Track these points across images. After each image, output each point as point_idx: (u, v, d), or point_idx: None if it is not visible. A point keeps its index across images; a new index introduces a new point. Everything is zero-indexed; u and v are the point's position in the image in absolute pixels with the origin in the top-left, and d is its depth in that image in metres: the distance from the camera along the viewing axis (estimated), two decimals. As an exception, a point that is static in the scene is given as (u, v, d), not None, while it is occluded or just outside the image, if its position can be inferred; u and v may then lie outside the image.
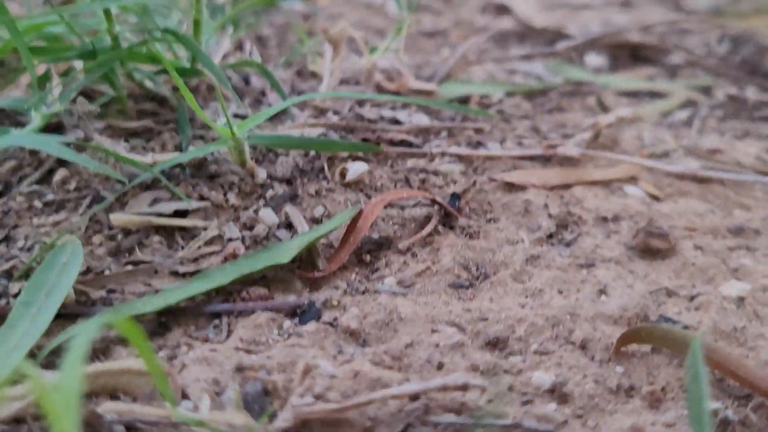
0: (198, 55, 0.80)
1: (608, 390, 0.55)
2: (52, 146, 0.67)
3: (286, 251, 0.66)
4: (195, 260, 0.68)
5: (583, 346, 0.59)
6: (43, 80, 0.82)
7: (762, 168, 0.89)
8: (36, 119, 0.75)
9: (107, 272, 0.66)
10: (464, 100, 1.01)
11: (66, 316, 0.60)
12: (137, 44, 0.82)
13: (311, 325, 0.60)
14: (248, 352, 0.57)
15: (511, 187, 0.80)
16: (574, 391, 0.55)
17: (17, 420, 0.50)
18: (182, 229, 0.71)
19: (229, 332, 0.60)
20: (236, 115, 0.87)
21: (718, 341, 0.61)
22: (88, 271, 0.66)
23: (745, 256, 0.72)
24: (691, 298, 0.66)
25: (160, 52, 0.83)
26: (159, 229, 0.70)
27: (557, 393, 0.55)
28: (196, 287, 0.62)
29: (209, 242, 0.70)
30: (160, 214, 0.71)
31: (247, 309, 0.62)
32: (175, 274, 0.66)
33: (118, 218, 0.69)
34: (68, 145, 0.74)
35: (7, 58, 0.93)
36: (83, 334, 0.34)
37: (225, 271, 0.64)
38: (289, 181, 0.78)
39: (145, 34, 0.86)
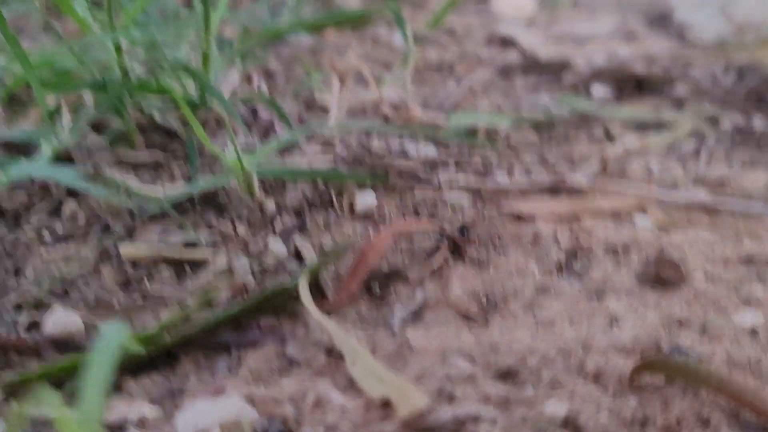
0: (207, 88, 0.81)
1: (622, 422, 0.55)
2: (66, 176, 0.67)
3: (292, 278, 0.66)
4: (204, 291, 0.68)
5: (596, 377, 0.59)
6: (54, 113, 0.83)
7: (771, 198, 0.89)
8: (47, 151, 0.75)
9: (116, 304, 0.66)
10: (471, 132, 1.02)
11: (76, 347, 0.60)
12: (147, 77, 0.83)
13: (322, 357, 0.60)
14: (258, 383, 0.57)
15: (519, 218, 0.80)
16: (588, 422, 0.54)
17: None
18: (191, 260, 0.71)
19: (239, 364, 0.60)
20: (245, 147, 0.87)
21: (733, 372, 0.60)
22: (97, 302, 0.66)
23: (756, 286, 0.71)
24: (704, 329, 0.65)
25: (169, 85, 0.84)
26: (168, 261, 0.71)
27: (571, 425, 0.54)
28: (205, 317, 0.62)
29: (218, 274, 0.70)
30: (170, 246, 0.71)
31: (257, 340, 0.62)
32: (184, 305, 0.66)
33: (127, 250, 0.70)
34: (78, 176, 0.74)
35: (17, 92, 0.94)
36: (101, 363, 0.34)
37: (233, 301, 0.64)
38: (297, 213, 0.78)
39: (154, 68, 0.87)
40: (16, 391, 0.57)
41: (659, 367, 0.58)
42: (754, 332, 0.65)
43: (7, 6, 1.16)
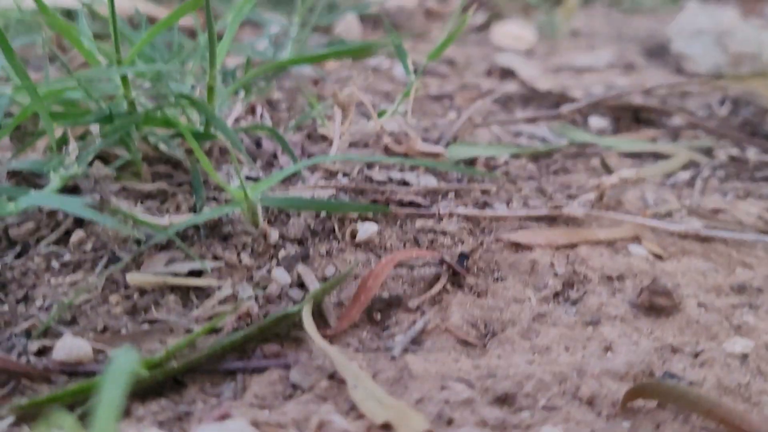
0: (212, 119, 0.83)
1: (615, 445, 0.56)
2: (74, 206, 0.68)
3: (295, 306, 0.67)
4: (209, 319, 0.69)
5: (590, 402, 0.60)
6: (61, 143, 0.84)
7: (763, 227, 0.91)
8: (55, 181, 0.77)
9: (124, 331, 0.67)
10: (471, 162, 1.04)
11: (85, 373, 0.62)
12: (153, 109, 0.84)
13: (324, 382, 0.62)
14: (262, 408, 0.59)
15: (517, 246, 0.82)
16: (582, 446, 0.56)
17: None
18: (197, 288, 0.72)
19: (244, 389, 0.61)
20: (249, 178, 0.89)
21: (723, 397, 0.62)
22: (105, 329, 0.68)
23: (748, 314, 0.73)
24: (696, 355, 0.67)
25: (175, 117, 0.85)
26: (174, 289, 0.72)
27: (565, 448, 0.56)
28: (211, 344, 0.64)
29: (223, 301, 0.71)
30: (176, 274, 0.72)
31: (261, 366, 0.63)
32: (190, 332, 0.68)
33: (134, 278, 0.71)
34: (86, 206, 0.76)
35: (24, 122, 0.95)
36: (112, 388, 0.35)
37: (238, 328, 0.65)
38: (300, 242, 0.80)
39: (160, 99, 0.89)
40: (27, 415, 0.58)
41: (651, 392, 0.60)
42: (744, 358, 0.66)
43: (14, 37, 1.18)
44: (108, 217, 0.71)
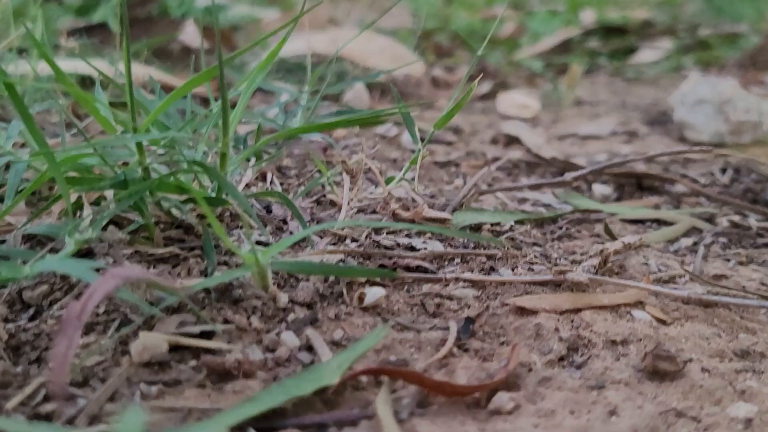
0: (224, 185, 0.85)
1: (620, 508, 0.57)
2: (84, 272, 0.70)
3: (331, 373, 0.68)
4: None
5: (596, 466, 0.61)
6: (75, 208, 0.86)
7: (766, 293, 0.92)
8: (70, 245, 0.78)
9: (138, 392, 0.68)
10: (476, 228, 1.05)
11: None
12: (166, 175, 0.86)
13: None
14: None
15: (522, 311, 0.83)
16: None
17: None
18: (207, 350, 0.73)
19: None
20: (259, 242, 0.91)
21: (727, 461, 0.63)
22: (116, 394, 0.68)
23: (751, 379, 0.74)
24: (700, 420, 0.67)
25: (188, 183, 0.87)
26: (186, 350, 0.73)
27: None
28: (249, 409, 0.64)
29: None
30: (188, 335, 0.74)
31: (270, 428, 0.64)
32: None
33: (147, 338, 0.72)
34: (98, 270, 0.77)
35: (40, 187, 0.97)
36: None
37: (273, 394, 0.66)
38: (309, 306, 0.81)
39: (173, 165, 0.91)
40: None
41: (656, 456, 0.61)
42: (748, 423, 0.67)
43: (32, 104, 1.21)
44: (127, 293, 0.72)
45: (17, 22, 1.57)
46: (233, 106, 0.93)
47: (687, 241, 1.10)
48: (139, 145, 0.85)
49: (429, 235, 0.98)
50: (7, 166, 0.91)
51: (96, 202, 0.89)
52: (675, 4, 3.79)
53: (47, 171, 0.83)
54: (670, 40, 2.99)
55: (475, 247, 0.97)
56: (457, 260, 0.93)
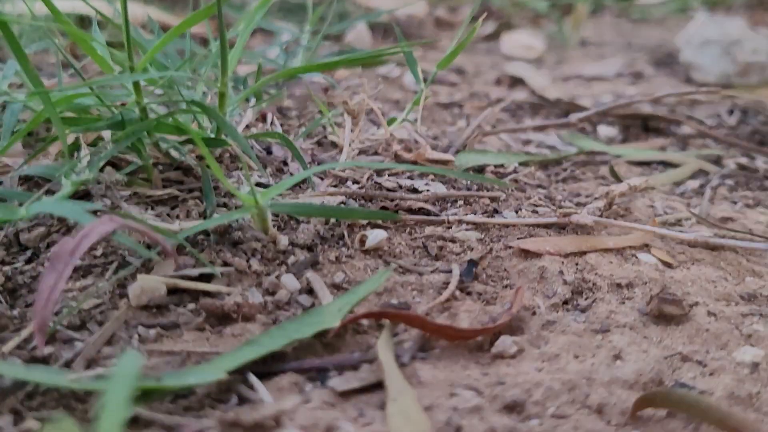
0: (223, 125, 0.83)
1: (625, 453, 0.56)
2: (77, 213, 0.68)
3: (332, 316, 0.67)
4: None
5: (599, 411, 0.60)
6: (72, 149, 0.85)
7: (773, 236, 0.91)
8: (66, 187, 0.77)
9: (135, 336, 0.67)
10: (480, 170, 1.04)
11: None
12: (164, 115, 0.85)
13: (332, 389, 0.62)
14: (271, 413, 0.59)
15: (526, 254, 0.82)
16: (591, 453, 0.56)
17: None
18: (206, 293, 0.72)
19: (253, 394, 0.62)
20: (259, 184, 0.90)
21: (733, 406, 0.62)
22: (113, 335, 0.68)
23: (758, 323, 0.73)
24: (706, 364, 0.67)
25: (186, 124, 0.86)
26: (184, 294, 0.72)
27: (574, 455, 0.56)
28: (248, 353, 0.63)
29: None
30: (186, 278, 0.73)
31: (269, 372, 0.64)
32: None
33: (144, 281, 0.71)
34: (96, 212, 0.76)
35: (37, 128, 0.96)
36: (117, 392, 0.36)
37: (273, 337, 0.65)
38: (310, 248, 0.80)
39: (171, 106, 0.89)
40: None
41: (661, 401, 0.60)
42: (754, 367, 0.66)
43: (28, 44, 1.19)
44: (124, 237, 0.71)
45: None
46: (232, 45, 0.91)
47: (693, 184, 1.09)
48: (136, 84, 0.83)
49: (431, 176, 0.96)
50: (3, 107, 0.90)
51: (93, 143, 0.88)
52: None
53: (43, 111, 0.81)
54: (677, -20, 2.94)
55: (478, 189, 0.95)
56: (460, 202, 0.92)
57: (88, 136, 0.89)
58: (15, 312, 0.69)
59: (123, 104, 0.88)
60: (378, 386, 0.62)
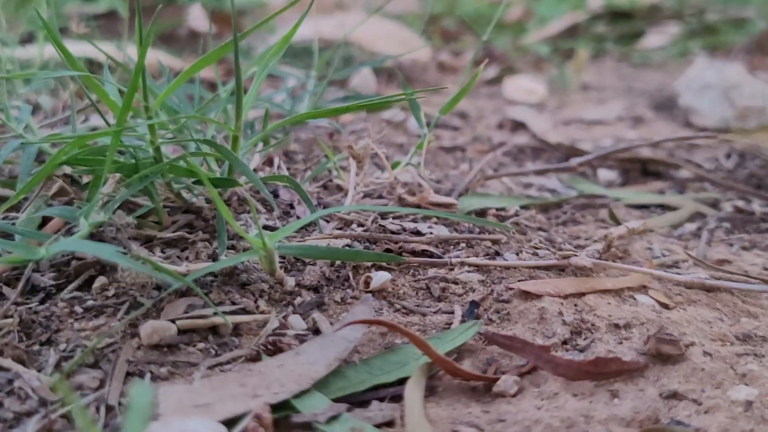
0: (237, 164, 0.85)
1: (621, 488, 0.58)
2: (107, 252, 0.70)
3: (414, 363, 0.70)
4: (227, 363, 0.72)
5: (597, 447, 0.62)
6: (88, 191, 0.87)
7: (768, 278, 0.93)
8: (84, 228, 0.79)
9: (148, 374, 0.69)
10: (482, 213, 1.06)
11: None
12: (177, 158, 0.87)
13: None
14: None
15: (527, 295, 0.84)
16: (589, 489, 0.57)
17: None
18: (215, 333, 0.75)
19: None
20: (266, 226, 0.92)
21: (727, 443, 0.63)
22: (128, 375, 0.70)
23: (752, 362, 0.75)
24: (701, 402, 0.68)
25: (197, 167, 0.88)
26: (194, 332, 0.74)
27: (572, 491, 0.57)
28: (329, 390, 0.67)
29: (240, 346, 0.74)
30: (198, 317, 0.75)
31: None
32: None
33: (155, 322, 0.73)
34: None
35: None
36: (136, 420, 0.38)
37: (361, 378, 0.69)
38: (316, 289, 0.82)
39: (181, 149, 0.92)
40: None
41: (657, 438, 0.61)
42: (748, 406, 0.68)
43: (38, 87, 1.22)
44: (140, 265, 0.73)
45: (24, 6, 1.57)
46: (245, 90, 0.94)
47: (691, 226, 1.11)
48: (151, 126, 0.85)
49: (435, 219, 0.99)
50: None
51: (95, 183, 0.90)
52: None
53: (59, 154, 0.84)
54: (677, 25, 2.99)
55: (480, 232, 0.97)
56: (463, 245, 0.94)
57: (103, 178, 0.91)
58: (30, 351, 0.71)
59: (135, 148, 0.91)
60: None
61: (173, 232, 0.89)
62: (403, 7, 2.56)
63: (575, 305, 0.82)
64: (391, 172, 1.05)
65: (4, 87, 0.99)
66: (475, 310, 0.81)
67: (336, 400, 0.65)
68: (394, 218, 0.98)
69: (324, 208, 1.01)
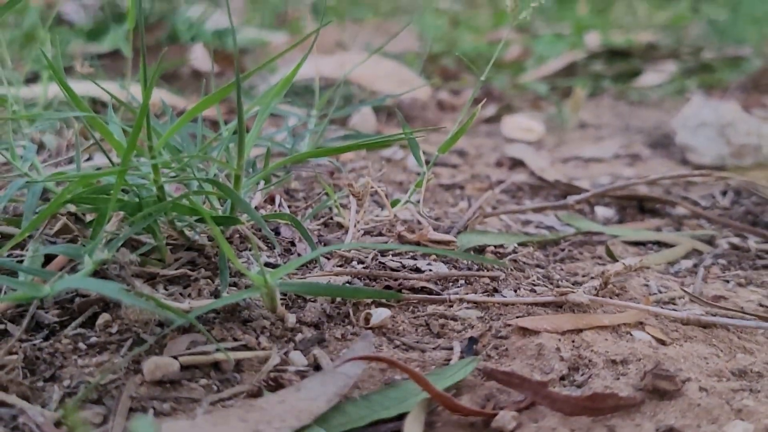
0: (239, 203, 0.86)
1: None
2: (112, 290, 0.71)
3: (413, 399, 0.71)
4: (229, 399, 0.72)
5: (595, 482, 0.63)
6: (91, 229, 0.88)
7: (764, 314, 0.93)
8: (88, 265, 0.80)
9: (151, 409, 0.70)
10: (481, 250, 1.07)
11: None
12: (180, 196, 0.88)
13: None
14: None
15: (525, 331, 0.84)
16: None
17: None
18: (217, 369, 0.75)
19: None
20: (267, 264, 0.93)
21: (723, 478, 0.64)
22: (131, 410, 0.70)
23: (748, 398, 0.75)
24: (697, 438, 0.69)
25: (200, 205, 0.89)
26: (196, 368, 0.75)
27: None
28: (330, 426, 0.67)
29: (241, 382, 0.74)
30: (200, 354, 0.76)
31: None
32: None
33: (159, 359, 0.74)
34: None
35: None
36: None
37: (361, 413, 0.69)
38: (317, 326, 0.83)
39: (184, 187, 0.93)
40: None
41: (653, 472, 0.62)
42: (744, 441, 0.68)
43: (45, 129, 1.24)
44: (143, 302, 0.74)
45: (28, 45, 1.60)
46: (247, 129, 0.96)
47: (687, 263, 1.12)
48: (155, 165, 0.86)
49: (434, 257, 1.00)
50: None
51: (99, 221, 0.91)
52: (679, 27, 3.82)
53: (63, 192, 0.85)
54: (674, 63, 3.02)
55: (479, 269, 0.99)
56: (462, 282, 0.95)
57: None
58: (33, 387, 0.72)
59: (138, 187, 0.92)
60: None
61: (176, 269, 0.90)
62: (402, 47, 2.59)
63: (573, 341, 0.83)
64: (390, 209, 1.06)
65: (10, 126, 1.01)
66: (474, 346, 0.82)
67: (336, 436, 0.66)
68: (393, 255, 0.99)
69: (325, 245, 1.02)
